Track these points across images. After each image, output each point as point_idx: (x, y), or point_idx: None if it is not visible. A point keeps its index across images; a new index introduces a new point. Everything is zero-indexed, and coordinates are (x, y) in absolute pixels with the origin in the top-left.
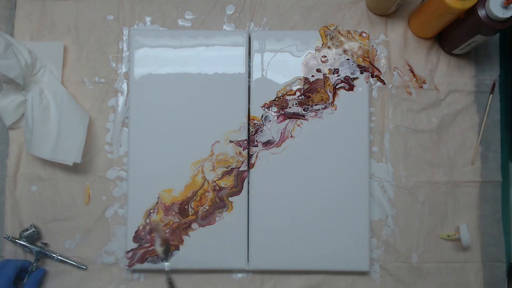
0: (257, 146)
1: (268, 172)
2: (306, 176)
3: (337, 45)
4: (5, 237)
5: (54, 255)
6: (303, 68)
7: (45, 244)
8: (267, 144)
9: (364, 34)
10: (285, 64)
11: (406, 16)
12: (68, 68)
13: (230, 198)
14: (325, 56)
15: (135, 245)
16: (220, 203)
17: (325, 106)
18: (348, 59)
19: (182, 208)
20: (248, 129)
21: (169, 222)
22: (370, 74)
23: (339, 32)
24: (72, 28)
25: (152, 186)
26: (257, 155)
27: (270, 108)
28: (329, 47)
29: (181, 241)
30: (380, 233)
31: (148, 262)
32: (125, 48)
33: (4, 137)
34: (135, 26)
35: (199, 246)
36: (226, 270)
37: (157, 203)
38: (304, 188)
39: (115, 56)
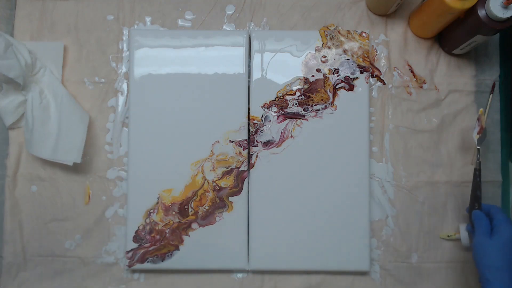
0: (257, 146)
1: (268, 172)
2: (306, 176)
3: (337, 45)
4: None
5: None
6: (303, 68)
7: None
8: (267, 144)
9: (364, 34)
10: (285, 64)
11: (406, 16)
12: (68, 68)
13: (230, 198)
14: (325, 56)
15: (135, 245)
16: (220, 203)
17: (325, 106)
18: (348, 59)
19: (182, 208)
20: (248, 129)
21: (169, 222)
22: (370, 74)
23: (339, 32)
24: (72, 28)
25: (152, 186)
26: (257, 155)
27: (270, 108)
28: (329, 47)
29: (181, 241)
30: (380, 233)
31: (148, 262)
32: (125, 48)
33: (4, 137)
34: (135, 26)
35: (199, 246)
36: (226, 270)
37: (157, 203)
38: (304, 188)
39: (115, 56)
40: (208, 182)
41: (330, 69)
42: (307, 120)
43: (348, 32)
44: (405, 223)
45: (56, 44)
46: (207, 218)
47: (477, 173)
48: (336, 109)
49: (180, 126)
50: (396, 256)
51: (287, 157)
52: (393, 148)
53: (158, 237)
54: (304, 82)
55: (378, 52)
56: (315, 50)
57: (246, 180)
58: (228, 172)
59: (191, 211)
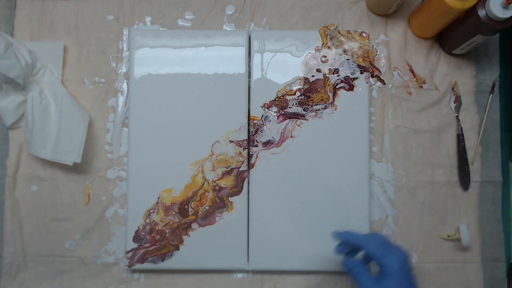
0: (257, 146)
1: (268, 172)
2: (306, 176)
3: (337, 45)
4: None
5: None
6: (303, 68)
7: None
8: (267, 144)
9: (364, 34)
10: (285, 64)
11: (406, 16)
12: (68, 68)
13: (230, 198)
14: (325, 56)
15: (135, 245)
16: (220, 203)
17: (325, 106)
18: (348, 59)
19: (182, 208)
20: (248, 129)
21: (169, 222)
22: (370, 74)
23: (339, 32)
24: (72, 28)
25: (152, 186)
26: (257, 155)
27: (270, 108)
28: (329, 47)
29: (181, 241)
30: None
31: (148, 262)
32: (125, 48)
33: (4, 137)
34: (135, 26)
35: (199, 246)
36: (226, 270)
37: (157, 203)
38: (304, 188)
39: (115, 56)
40: (208, 182)
41: (330, 69)
42: (307, 120)
43: (348, 32)
44: (405, 223)
45: (56, 44)
46: (207, 218)
47: (461, 137)
48: (336, 109)
49: (180, 126)
50: None
51: (287, 157)
52: (393, 148)
53: (158, 237)
54: (304, 82)
55: (378, 52)
56: (315, 50)
57: (246, 180)
58: (228, 172)
59: (191, 211)
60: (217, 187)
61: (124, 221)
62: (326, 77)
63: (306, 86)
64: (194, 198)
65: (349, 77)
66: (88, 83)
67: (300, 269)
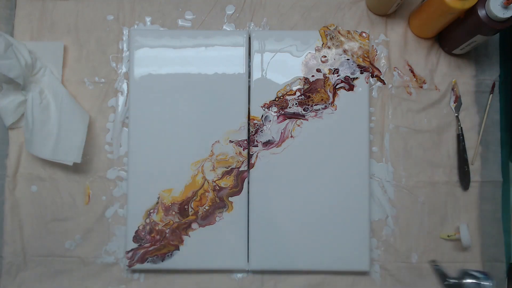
0: (257, 146)
1: (268, 172)
2: (306, 176)
3: (337, 45)
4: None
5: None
6: (303, 68)
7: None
8: (267, 144)
9: (364, 34)
10: (285, 64)
11: (406, 16)
12: (68, 68)
13: (230, 198)
14: (325, 56)
15: (135, 245)
16: (220, 203)
17: (325, 106)
18: (348, 59)
19: (182, 208)
20: (248, 129)
21: (169, 222)
22: (370, 74)
23: (339, 32)
24: (72, 28)
25: (152, 186)
26: (257, 155)
27: (270, 108)
28: (329, 47)
29: (181, 241)
30: (380, 233)
31: (148, 262)
32: (125, 48)
33: (4, 137)
34: (135, 26)
35: (199, 246)
36: (226, 270)
37: (157, 203)
38: (304, 188)
39: (115, 56)
40: (208, 182)
41: (330, 69)
42: (307, 120)
43: (348, 32)
44: (405, 223)
45: (56, 44)
46: (207, 218)
47: (461, 137)
48: (336, 109)
49: (180, 126)
50: (396, 256)
51: (287, 157)
52: (393, 148)
53: (158, 237)
54: (304, 82)
55: (378, 52)
56: (315, 50)
57: (246, 180)
58: (228, 172)
59: (191, 211)
60: (217, 187)
61: (124, 221)
62: (326, 77)
63: (306, 86)
64: (194, 198)
65: (349, 77)
66: (88, 83)
67: (300, 269)
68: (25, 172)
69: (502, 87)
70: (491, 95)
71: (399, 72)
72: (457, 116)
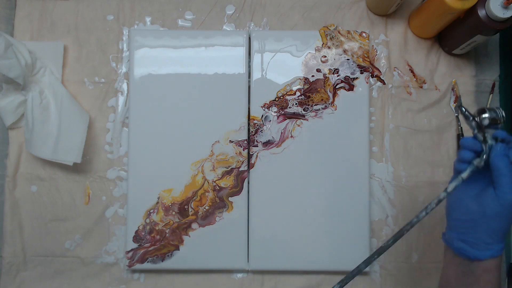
0: (257, 146)
1: (268, 172)
2: (306, 176)
3: (337, 45)
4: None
5: None
6: (303, 68)
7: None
8: (267, 144)
9: (364, 34)
10: (285, 64)
11: (406, 16)
12: (68, 68)
13: (230, 198)
14: (325, 56)
15: (135, 245)
16: (220, 203)
17: (325, 106)
18: (348, 59)
19: (182, 208)
20: (248, 129)
21: (169, 222)
22: (370, 74)
23: (339, 32)
24: (72, 28)
25: (152, 186)
26: (257, 155)
27: (270, 108)
28: (329, 47)
29: (181, 241)
30: (380, 233)
31: (148, 262)
32: (125, 48)
33: (4, 137)
34: (135, 26)
35: (199, 246)
36: (226, 270)
37: (157, 203)
38: (304, 188)
39: (115, 56)
40: (208, 182)
41: (330, 69)
42: (307, 120)
43: (348, 32)
44: (405, 223)
45: (56, 44)
46: (207, 218)
47: (461, 137)
48: (336, 109)
49: (180, 126)
50: (396, 256)
51: (287, 157)
52: (393, 148)
53: (158, 237)
54: (304, 82)
55: (378, 52)
56: (315, 50)
57: (246, 180)
58: (228, 172)
59: (191, 211)
60: (217, 187)
61: (124, 221)
62: (326, 77)
63: (306, 86)
64: (194, 198)
65: (349, 77)
66: (88, 83)
67: (300, 269)
68: (25, 172)
69: (502, 87)
70: (491, 95)
71: (399, 72)
72: (457, 116)
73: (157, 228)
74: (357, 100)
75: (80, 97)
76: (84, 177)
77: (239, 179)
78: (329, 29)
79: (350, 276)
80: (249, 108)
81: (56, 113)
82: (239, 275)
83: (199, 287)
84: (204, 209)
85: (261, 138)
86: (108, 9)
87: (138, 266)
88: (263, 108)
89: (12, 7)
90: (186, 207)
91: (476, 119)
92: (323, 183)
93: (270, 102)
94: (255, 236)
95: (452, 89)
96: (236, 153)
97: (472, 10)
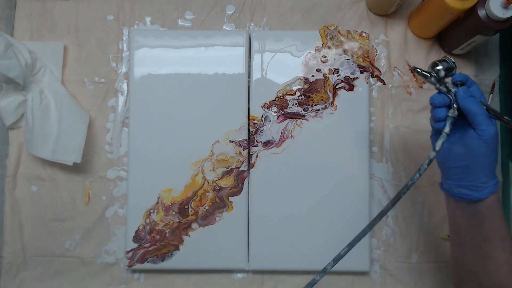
0: (257, 146)
1: (268, 172)
2: (306, 176)
3: (337, 45)
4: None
5: None
6: (303, 68)
7: None
8: (267, 144)
9: (364, 34)
10: (285, 64)
11: (406, 16)
12: (68, 68)
13: (230, 198)
14: (325, 56)
15: (135, 245)
16: (220, 203)
17: (325, 106)
18: (348, 59)
19: (182, 208)
20: (248, 129)
21: (169, 222)
22: (370, 74)
23: (339, 32)
24: (72, 28)
25: (152, 186)
26: (257, 155)
27: (270, 108)
28: (329, 47)
29: (181, 241)
30: (380, 233)
31: (148, 262)
32: (125, 48)
33: (4, 137)
34: (135, 26)
35: (199, 246)
36: (226, 270)
37: (157, 203)
38: (304, 188)
39: (115, 56)
40: (208, 182)
41: (330, 69)
42: (307, 120)
43: (348, 32)
44: (405, 223)
45: (56, 44)
46: (207, 218)
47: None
48: (336, 109)
49: (180, 126)
50: (396, 256)
51: (287, 157)
52: (393, 148)
53: (158, 237)
54: (304, 82)
55: (378, 52)
56: (315, 50)
57: (246, 180)
58: (228, 172)
59: (191, 211)
60: (217, 187)
61: (124, 221)
62: (326, 77)
63: (306, 86)
64: (194, 198)
65: (349, 77)
66: (88, 83)
67: (300, 269)
68: (25, 172)
69: (502, 87)
70: (491, 95)
71: (399, 72)
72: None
73: (157, 228)
74: (357, 100)
75: (80, 97)
76: (84, 177)
77: (239, 179)
78: (329, 29)
79: (356, 239)
80: (249, 108)
81: (56, 113)
82: (239, 275)
83: (199, 287)
84: (204, 209)
85: (261, 138)
86: (108, 9)
87: (138, 266)
88: (263, 108)
89: (12, 7)
90: (186, 207)
91: (432, 73)
92: (323, 183)
93: (270, 102)
94: (255, 236)
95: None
96: (236, 153)
97: (472, 10)
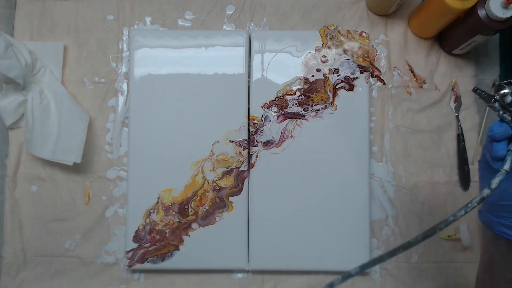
0: (257, 146)
1: (268, 172)
2: (306, 176)
3: (337, 45)
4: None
5: None
6: (303, 68)
7: None
8: (267, 144)
9: (364, 34)
10: (285, 64)
11: (406, 16)
12: (68, 68)
13: (230, 198)
14: (325, 56)
15: (135, 245)
16: (220, 203)
17: (325, 106)
18: (348, 59)
19: (182, 208)
20: (248, 129)
21: (169, 222)
22: (370, 74)
23: (339, 32)
24: (72, 28)
25: (152, 186)
26: (257, 155)
27: (270, 108)
28: (329, 47)
29: (181, 241)
30: (380, 233)
31: (148, 262)
32: (125, 48)
33: (4, 137)
34: (135, 26)
35: (199, 246)
36: (226, 270)
37: (157, 203)
38: (304, 188)
39: (115, 56)
40: (208, 182)
41: (330, 69)
42: (307, 120)
43: (348, 32)
44: (405, 223)
45: (56, 44)
46: (207, 218)
47: (461, 137)
48: (336, 109)
49: (180, 126)
50: (396, 256)
51: (287, 157)
52: (393, 148)
53: (158, 237)
54: (304, 82)
55: (378, 52)
56: (315, 50)
57: (246, 180)
58: (228, 172)
59: (191, 211)
60: (217, 187)
61: (124, 221)
62: (326, 77)
63: (306, 86)
64: (194, 198)
65: (349, 77)
66: (88, 83)
67: (300, 269)
68: (25, 172)
69: None
70: None
71: (399, 72)
72: (457, 116)
73: (157, 228)
74: (357, 100)
75: (80, 97)
76: (84, 177)
77: (239, 179)
78: (329, 29)
79: (372, 262)
80: (249, 108)
81: (56, 113)
82: (239, 275)
83: (199, 287)
84: (204, 209)
85: (261, 138)
86: (108, 9)
87: (138, 266)
88: (263, 108)
89: (12, 7)
90: (186, 207)
91: (496, 97)
92: (323, 183)
93: (270, 102)
94: (255, 236)
95: (452, 89)
96: (236, 153)
97: (472, 10)
